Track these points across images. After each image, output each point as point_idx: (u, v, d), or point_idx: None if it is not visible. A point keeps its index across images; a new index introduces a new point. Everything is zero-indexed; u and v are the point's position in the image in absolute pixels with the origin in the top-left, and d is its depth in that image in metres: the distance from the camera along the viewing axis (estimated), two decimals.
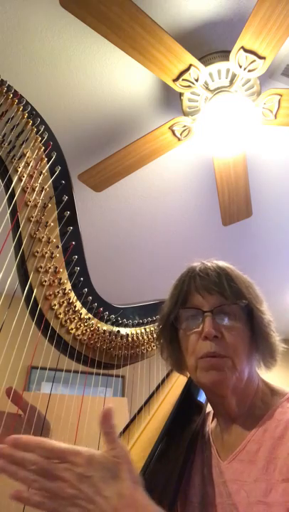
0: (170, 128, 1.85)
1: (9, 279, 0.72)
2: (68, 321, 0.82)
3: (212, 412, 0.84)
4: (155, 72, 1.60)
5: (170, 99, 1.94)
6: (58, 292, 0.80)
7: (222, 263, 0.77)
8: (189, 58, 1.57)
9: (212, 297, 0.71)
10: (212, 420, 0.83)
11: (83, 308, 0.85)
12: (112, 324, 0.91)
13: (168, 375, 1.07)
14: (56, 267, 0.80)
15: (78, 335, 0.85)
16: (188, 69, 1.60)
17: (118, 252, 3.04)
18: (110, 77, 1.84)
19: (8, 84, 0.73)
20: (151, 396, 1.01)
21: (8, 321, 0.75)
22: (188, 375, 0.85)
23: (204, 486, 0.73)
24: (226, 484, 0.67)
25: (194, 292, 0.73)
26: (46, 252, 0.78)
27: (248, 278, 0.77)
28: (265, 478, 0.60)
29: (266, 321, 0.72)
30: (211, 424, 0.83)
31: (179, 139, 1.90)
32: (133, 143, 1.88)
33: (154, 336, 0.96)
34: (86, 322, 0.85)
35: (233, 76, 1.72)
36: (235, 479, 0.66)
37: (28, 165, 0.76)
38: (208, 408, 0.85)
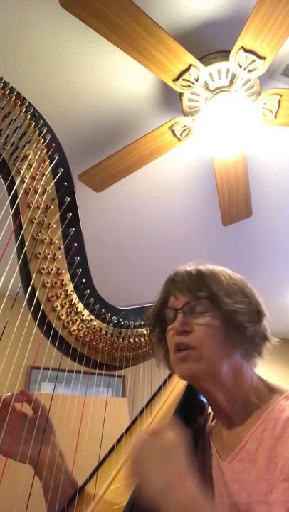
0: (170, 128, 1.85)
1: (12, 281, 0.72)
2: (70, 322, 0.83)
3: (212, 412, 0.84)
4: (155, 72, 1.60)
5: (170, 99, 1.94)
6: (60, 294, 0.80)
7: (203, 265, 0.79)
8: (189, 58, 1.56)
9: (183, 296, 0.76)
10: (212, 420, 0.83)
11: (85, 310, 0.85)
12: (114, 326, 0.91)
13: (170, 376, 1.07)
14: (58, 269, 0.80)
15: (80, 336, 0.85)
16: (188, 69, 1.60)
17: (118, 252, 3.04)
18: (110, 77, 1.84)
19: (11, 86, 0.73)
20: (153, 397, 1.01)
21: (10, 321, 0.75)
22: None
23: (206, 486, 0.73)
24: (226, 484, 0.67)
25: (171, 294, 0.79)
26: (48, 254, 0.78)
27: (232, 274, 0.79)
28: (266, 478, 0.60)
29: (237, 312, 0.72)
30: (210, 424, 0.83)
31: (179, 139, 1.90)
32: (133, 143, 1.88)
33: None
34: (88, 323, 0.85)
35: (233, 76, 1.72)
36: (235, 479, 0.66)
37: (31, 167, 0.76)
38: (210, 408, 0.85)
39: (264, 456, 0.63)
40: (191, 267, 0.79)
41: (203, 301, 0.74)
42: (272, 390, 0.74)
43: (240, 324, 0.72)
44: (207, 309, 0.73)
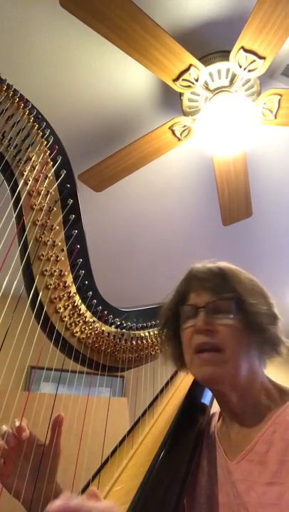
0: (170, 128, 1.85)
1: (15, 282, 0.72)
2: (73, 324, 0.83)
3: (217, 412, 0.84)
4: (155, 72, 1.60)
5: (170, 99, 1.94)
6: (63, 295, 0.80)
7: (222, 263, 0.79)
8: (189, 58, 1.56)
9: (206, 294, 0.75)
10: (218, 420, 0.83)
11: (88, 312, 0.85)
12: (117, 327, 0.91)
13: (172, 377, 1.07)
14: (61, 270, 0.80)
15: (83, 338, 0.85)
16: (188, 69, 1.60)
17: (118, 252, 3.04)
18: (110, 77, 1.84)
19: (14, 88, 0.73)
20: (155, 399, 1.01)
21: (13, 322, 0.75)
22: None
23: (211, 486, 0.73)
24: (234, 484, 0.67)
25: (191, 291, 0.77)
26: (51, 256, 0.78)
27: (250, 276, 0.78)
28: (278, 482, 0.60)
29: (261, 314, 0.72)
30: (217, 424, 0.83)
31: (179, 139, 1.90)
32: (133, 143, 1.88)
33: (158, 339, 0.96)
34: (90, 325, 0.85)
35: (233, 76, 1.72)
36: (244, 479, 0.66)
37: (34, 169, 0.76)
38: (213, 409, 0.85)
39: (275, 460, 0.63)
40: (210, 264, 0.78)
41: (228, 301, 0.72)
42: (283, 393, 0.74)
43: (262, 326, 0.71)
44: (232, 310, 0.72)
